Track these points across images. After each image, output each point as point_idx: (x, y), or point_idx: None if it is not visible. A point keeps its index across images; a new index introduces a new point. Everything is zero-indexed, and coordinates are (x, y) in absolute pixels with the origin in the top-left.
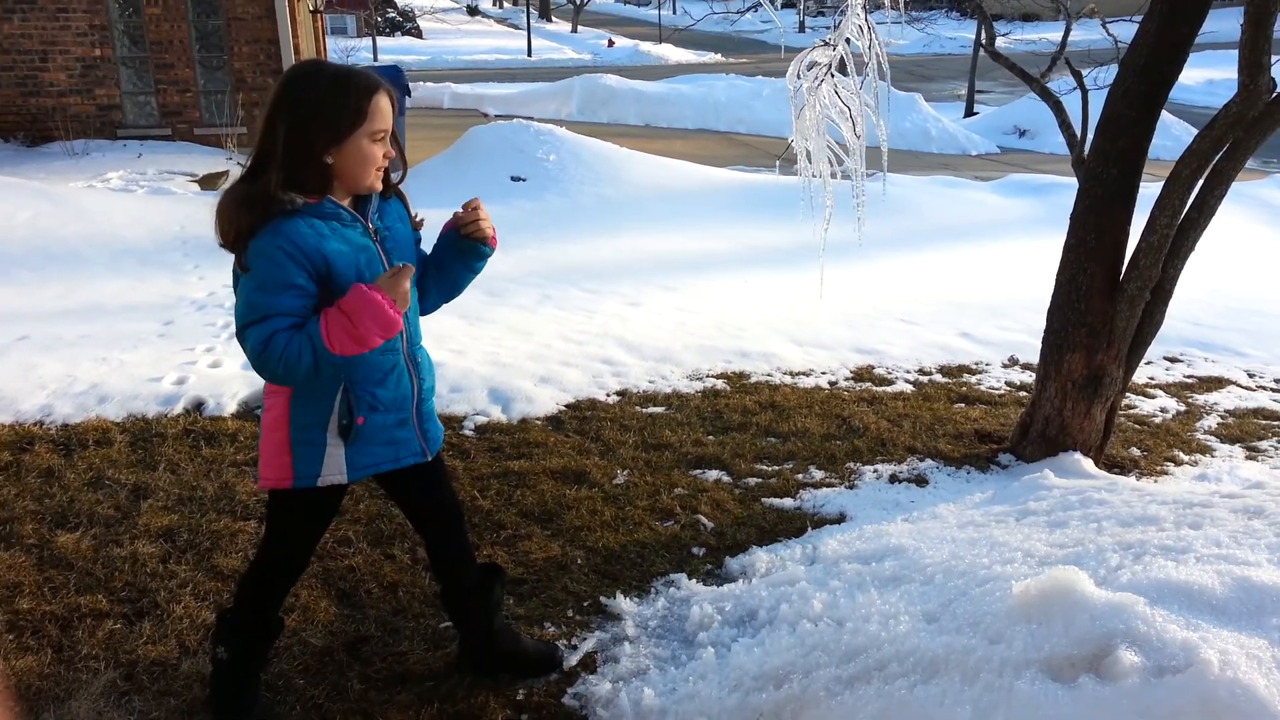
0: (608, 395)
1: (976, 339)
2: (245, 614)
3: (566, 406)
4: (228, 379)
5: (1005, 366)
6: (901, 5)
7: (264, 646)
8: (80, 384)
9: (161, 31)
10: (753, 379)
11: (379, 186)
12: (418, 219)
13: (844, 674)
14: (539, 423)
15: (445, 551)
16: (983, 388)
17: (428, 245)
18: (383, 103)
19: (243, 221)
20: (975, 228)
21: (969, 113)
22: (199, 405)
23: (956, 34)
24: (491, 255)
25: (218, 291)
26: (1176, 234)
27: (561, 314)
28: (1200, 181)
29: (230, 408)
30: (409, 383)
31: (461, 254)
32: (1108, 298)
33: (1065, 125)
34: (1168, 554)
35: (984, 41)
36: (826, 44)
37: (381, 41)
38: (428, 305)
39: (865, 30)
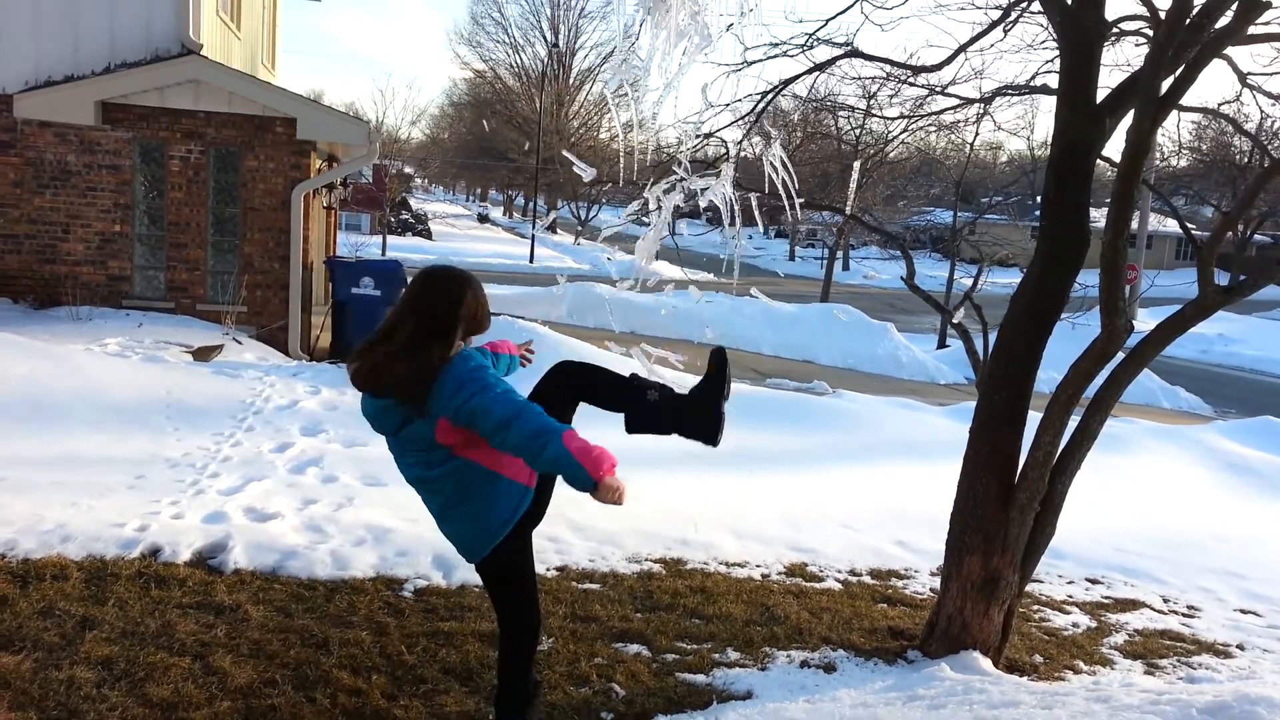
0: (548, 570)
1: (911, 547)
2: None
3: None
4: (186, 529)
5: (933, 574)
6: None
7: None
8: (47, 523)
9: (181, 214)
10: (689, 565)
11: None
12: None
13: None
14: (476, 589)
15: None
16: (907, 591)
17: None
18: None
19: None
20: (924, 447)
21: (941, 344)
22: (155, 551)
23: (935, 272)
24: None
25: (192, 453)
26: (1062, 454)
27: None
28: (1083, 407)
29: (184, 555)
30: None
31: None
32: (1001, 507)
33: (971, 352)
34: None
35: (905, 276)
36: (681, 191)
37: (393, 240)
38: None
39: (727, 199)
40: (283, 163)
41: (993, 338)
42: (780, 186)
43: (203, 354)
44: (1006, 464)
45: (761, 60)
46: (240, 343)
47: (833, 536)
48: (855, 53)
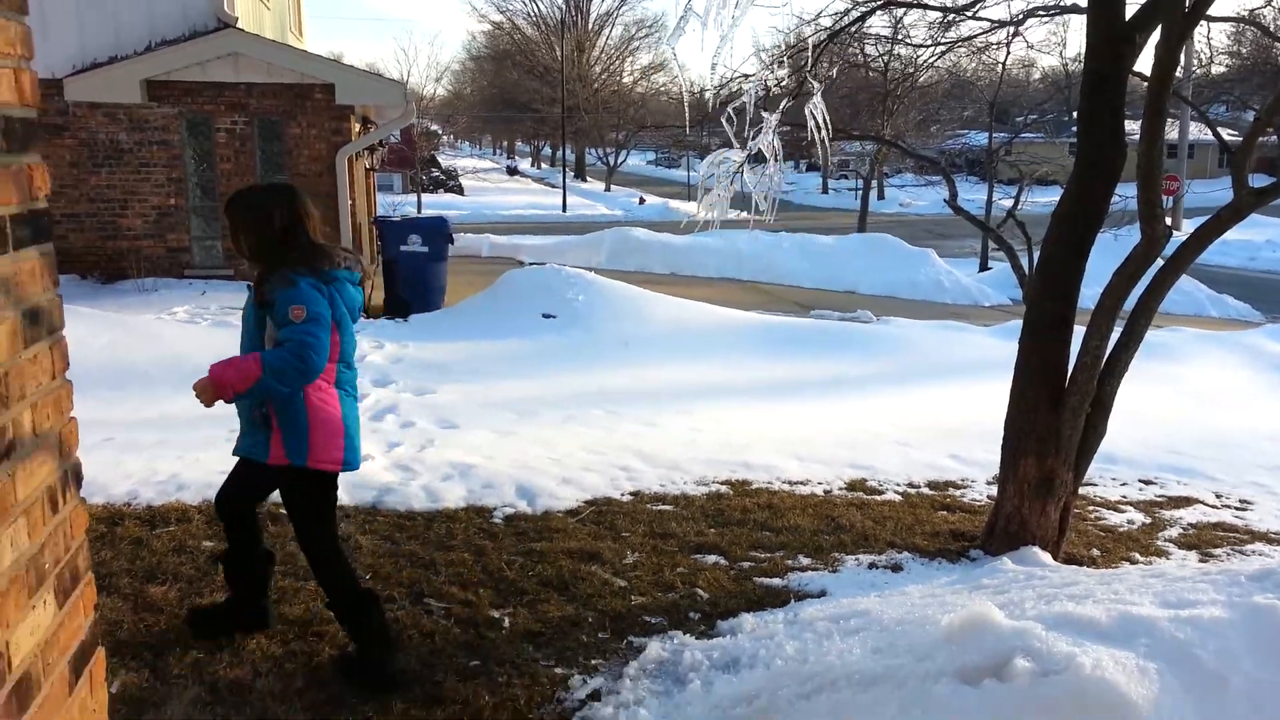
0: (622, 495)
1: (966, 460)
2: (352, 598)
3: (585, 503)
4: None
5: (989, 483)
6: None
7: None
8: (161, 475)
9: (231, 185)
10: (754, 485)
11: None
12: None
13: (803, 690)
14: (560, 514)
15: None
16: (965, 499)
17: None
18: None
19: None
20: (973, 366)
21: (983, 268)
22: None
23: (972, 195)
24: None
25: None
26: (1109, 357)
27: (584, 430)
28: (1130, 311)
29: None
30: None
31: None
32: (1052, 410)
33: (1016, 267)
34: (1073, 599)
35: (947, 198)
36: (741, 147)
37: (427, 198)
38: None
39: (772, 146)
40: (324, 128)
41: (1037, 254)
42: (818, 131)
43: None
44: (1056, 369)
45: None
46: None
47: (890, 454)
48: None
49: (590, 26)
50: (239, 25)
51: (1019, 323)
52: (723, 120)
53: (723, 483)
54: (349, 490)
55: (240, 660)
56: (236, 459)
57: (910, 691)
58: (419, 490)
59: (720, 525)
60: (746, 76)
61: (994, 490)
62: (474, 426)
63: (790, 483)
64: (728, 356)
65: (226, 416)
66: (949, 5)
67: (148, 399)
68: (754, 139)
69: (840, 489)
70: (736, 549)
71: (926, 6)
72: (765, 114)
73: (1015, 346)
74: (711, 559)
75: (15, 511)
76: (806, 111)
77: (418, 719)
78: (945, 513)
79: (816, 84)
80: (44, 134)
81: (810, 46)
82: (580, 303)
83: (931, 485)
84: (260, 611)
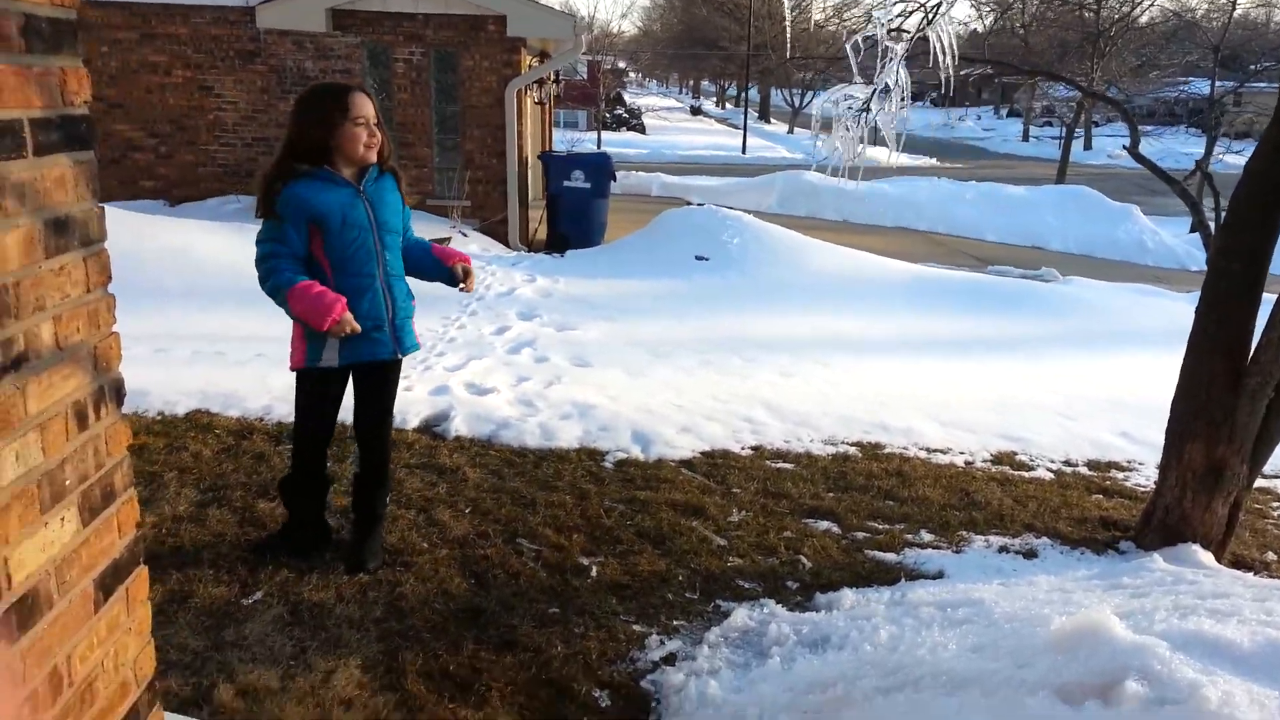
0: (742, 449)
1: (1135, 439)
2: (296, 475)
3: (701, 454)
4: (415, 400)
5: (1159, 468)
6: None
7: (316, 503)
8: None
9: (408, 115)
10: (886, 450)
11: (370, 159)
12: (408, 200)
13: (884, 685)
14: (672, 464)
15: (367, 437)
16: (1128, 484)
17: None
18: (357, 98)
19: (268, 185)
20: (1160, 334)
21: (1195, 228)
22: None
23: (1190, 149)
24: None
25: (422, 334)
26: None
27: (717, 377)
28: None
29: (413, 423)
30: (383, 301)
31: (444, 276)
32: (1229, 390)
33: (1202, 225)
34: (1214, 615)
35: (1128, 145)
36: (866, 83)
37: (607, 135)
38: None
39: (898, 82)
40: (496, 60)
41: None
42: (941, 57)
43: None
44: (1236, 343)
45: None
46: (465, 235)
47: (1048, 426)
48: None
49: None
50: None
51: None
52: (847, 49)
53: (852, 444)
54: (468, 421)
55: (326, 584)
56: None
57: (999, 702)
58: (535, 427)
59: (840, 490)
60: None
61: None
62: (606, 365)
63: (928, 450)
64: (883, 309)
65: None
66: None
67: None
68: (881, 69)
69: (984, 461)
70: (853, 517)
71: None
72: (891, 44)
73: None
74: (823, 525)
75: (25, 425)
76: (933, 35)
77: (486, 660)
78: (1100, 496)
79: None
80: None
81: None
82: (735, 245)
83: (1091, 465)
84: (324, 529)
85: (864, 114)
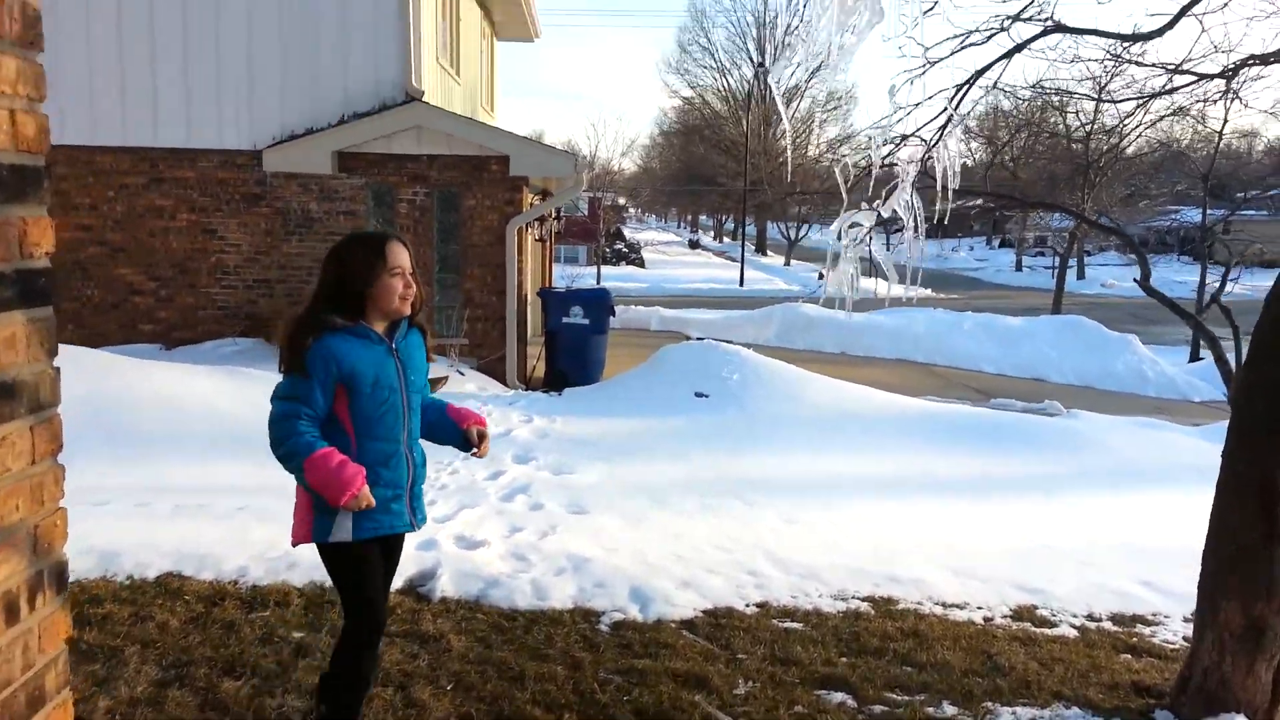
0: (747, 605)
1: (1159, 588)
2: (346, 671)
3: (704, 612)
4: (404, 559)
5: (1187, 620)
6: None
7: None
8: (277, 550)
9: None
10: (900, 605)
11: (405, 311)
12: (433, 358)
13: None
14: (673, 625)
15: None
16: (1155, 640)
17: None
18: (394, 248)
19: (298, 337)
20: (1172, 472)
21: (1194, 358)
22: None
23: (1184, 277)
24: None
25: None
26: None
27: (717, 522)
28: None
29: (396, 583)
30: (405, 468)
31: (455, 440)
32: (1264, 541)
33: (1220, 360)
34: None
35: (1139, 278)
36: (872, 208)
37: (607, 269)
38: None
39: (911, 206)
40: (498, 199)
41: (1246, 346)
42: (945, 181)
43: (432, 386)
44: (1269, 489)
45: (947, 55)
46: (463, 374)
47: (1067, 575)
48: (1058, 27)
49: (779, 100)
50: (426, 98)
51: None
52: (836, 172)
53: (864, 598)
54: (455, 580)
55: None
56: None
57: None
58: (527, 585)
59: (854, 654)
60: (893, 135)
61: (1190, 630)
62: (603, 511)
63: (944, 605)
64: (887, 447)
65: None
66: (1133, 34)
67: None
68: (885, 197)
69: (1003, 616)
70: (869, 687)
71: (1103, 34)
72: (902, 165)
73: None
74: (838, 698)
75: None
76: (938, 161)
77: None
78: (1129, 656)
79: (954, 124)
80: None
81: (955, 88)
82: (734, 381)
83: (1115, 619)
84: None
85: (868, 241)
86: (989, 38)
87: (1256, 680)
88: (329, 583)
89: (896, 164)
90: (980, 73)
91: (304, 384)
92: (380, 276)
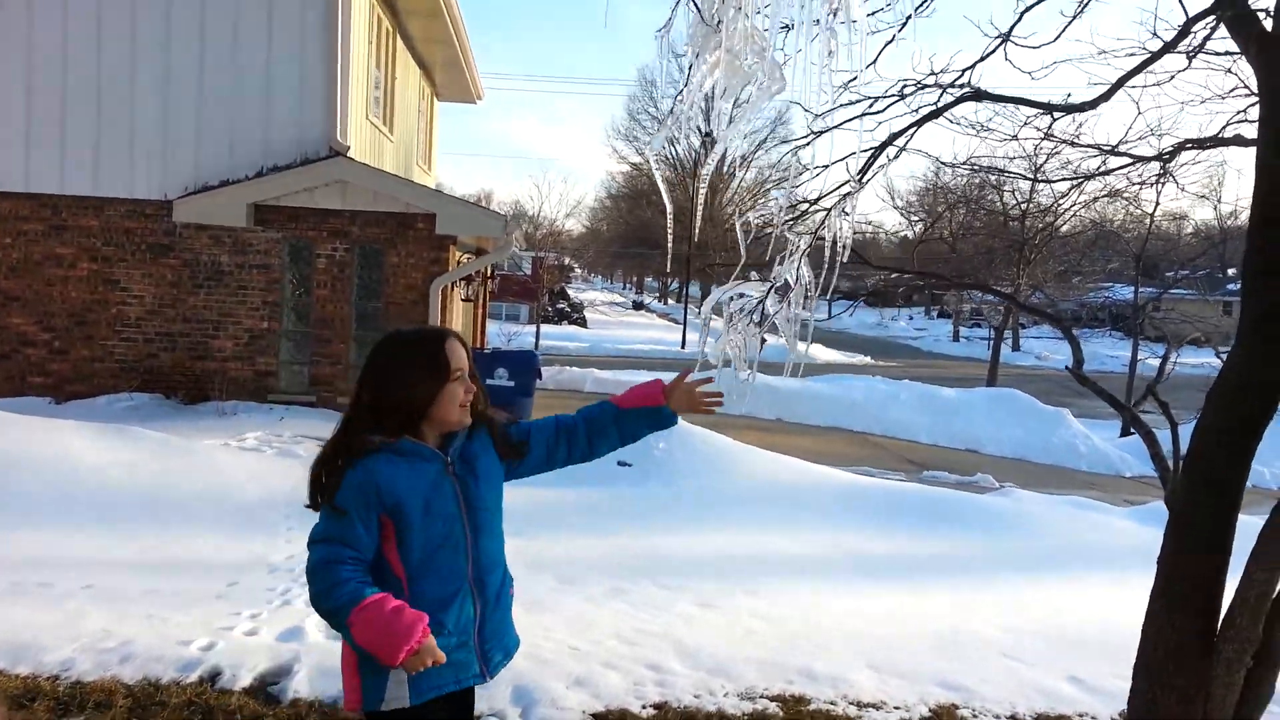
0: (643, 707)
1: (1087, 685)
2: None
3: (593, 716)
4: (255, 649)
5: None
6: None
7: None
8: (112, 640)
9: (326, 310)
10: (812, 705)
11: (467, 421)
12: (514, 446)
13: None
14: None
15: None
16: None
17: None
18: (454, 348)
19: (330, 465)
20: (1105, 555)
21: (1125, 432)
22: (215, 675)
23: (1116, 352)
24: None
25: (296, 555)
26: None
27: (628, 609)
28: None
29: (244, 681)
30: (472, 607)
31: (654, 423)
32: (1201, 658)
33: (1157, 457)
34: None
35: (1071, 365)
36: (762, 280)
37: (548, 328)
38: (597, 453)
39: (800, 277)
40: (422, 258)
41: (1185, 436)
42: (836, 250)
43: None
44: (1207, 603)
45: (860, 115)
46: None
47: (992, 670)
48: (977, 94)
49: (725, 170)
50: (354, 154)
51: (1163, 504)
52: (737, 226)
53: (773, 697)
54: (313, 677)
55: None
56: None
57: None
58: None
59: None
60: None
61: None
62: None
63: (859, 704)
64: (819, 525)
65: (232, 566)
66: (1062, 105)
67: (170, 535)
68: (776, 264)
69: (922, 718)
70: None
71: (1027, 103)
72: (790, 236)
73: (1159, 535)
74: None
75: None
76: (830, 234)
77: None
78: None
79: (849, 203)
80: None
81: (869, 150)
82: (660, 450)
83: None
84: None
85: (758, 314)
86: (890, 104)
87: None
88: (166, 677)
89: (795, 232)
90: (892, 138)
91: (342, 521)
92: (445, 386)
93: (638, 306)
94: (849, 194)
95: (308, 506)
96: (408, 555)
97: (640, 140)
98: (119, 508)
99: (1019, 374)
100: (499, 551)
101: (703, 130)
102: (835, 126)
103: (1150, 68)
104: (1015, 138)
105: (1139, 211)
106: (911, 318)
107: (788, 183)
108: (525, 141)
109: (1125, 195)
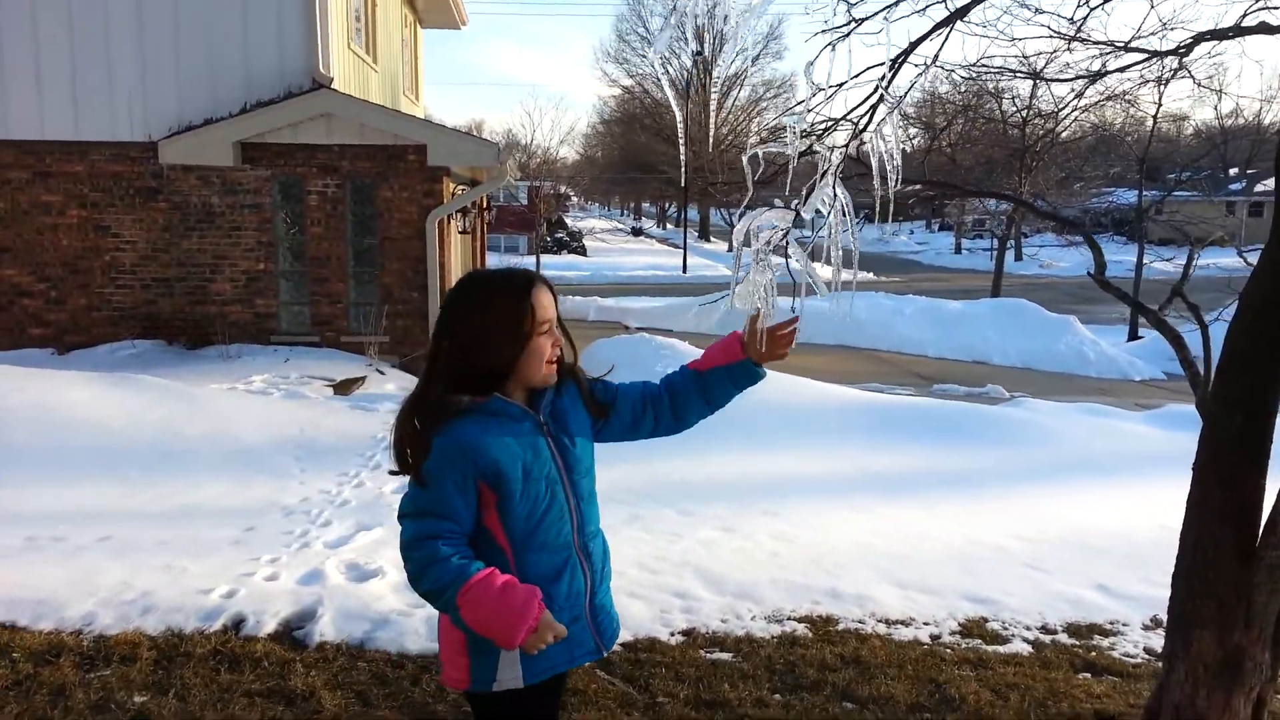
0: (671, 635)
1: (1114, 593)
2: None
3: (622, 646)
4: (276, 594)
5: (1146, 628)
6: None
7: None
8: (132, 592)
9: (321, 249)
10: (840, 625)
11: (553, 379)
12: (602, 406)
13: None
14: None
15: None
16: (1116, 653)
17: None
18: (541, 296)
19: (413, 429)
20: (1123, 462)
21: (1133, 336)
22: (238, 623)
23: (1120, 257)
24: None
25: (311, 497)
26: None
27: (646, 537)
28: None
29: (268, 627)
30: (582, 578)
31: (740, 379)
32: (1241, 566)
33: (1186, 363)
34: None
35: (1093, 271)
36: (788, 207)
37: (548, 259)
38: (687, 422)
39: (835, 200)
40: (416, 190)
41: (1216, 340)
42: (886, 166)
43: (344, 387)
44: (1245, 510)
45: (871, 15)
46: (383, 373)
47: (1017, 581)
48: None
49: (718, 88)
50: (338, 85)
51: (1184, 409)
52: (744, 161)
53: (801, 619)
54: (338, 620)
55: None
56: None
57: None
58: (421, 623)
59: (789, 689)
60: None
61: (1151, 640)
62: None
63: (887, 622)
64: (831, 442)
65: (246, 511)
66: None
67: (179, 483)
68: (806, 195)
69: (952, 633)
70: None
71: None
72: (820, 148)
73: (1177, 438)
74: None
75: None
76: (876, 137)
77: None
78: (1088, 675)
79: (886, 104)
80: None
81: (888, 63)
82: None
83: (1071, 630)
84: None
85: (784, 245)
86: (926, 7)
87: (1233, 715)
88: (189, 627)
89: (817, 154)
90: (915, 44)
91: (434, 493)
92: (531, 340)
93: (636, 233)
94: (882, 106)
95: (393, 473)
96: (510, 525)
97: (631, 63)
98: (127, 457)
99: (1023, 283)
100: (598, 517)
101: (694, 49)
102: (849, 31)
103: None
104: (1015, 39)
105: (1139, 113)
106: (912, 232)
107: (800, 103)
108: (512, 68)
109: (1126, 97)
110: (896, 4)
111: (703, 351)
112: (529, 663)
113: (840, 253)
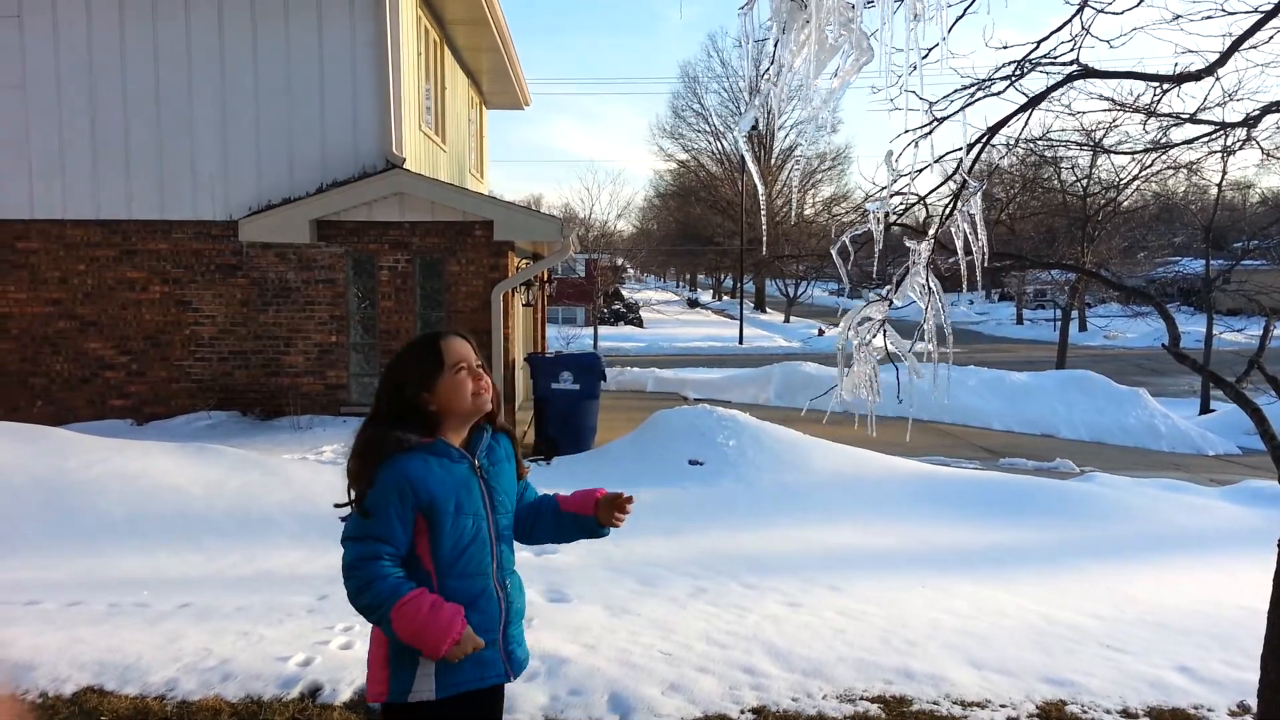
0: (742, 712)
1: (1198, 676)
2: None
3: None
4: (352, 663)
5: (1233, 715)
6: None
7: None
8: (212, 659)
9: (392, 322)
10: (914, 707)
11: (486, 406)
12: (525, 469)
13: None
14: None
15: None
16: None
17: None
18: (451, 343)
19: (361, 462)
20: (1202, 539)
21: (1204, 409)
22: (315, 691)
23: (1189, 327)
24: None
25: None
26: None
27: (713, 610)
28: None
29: (344, 695)
30: (497, 606)
31: (584, 531)
32: None
33: (1268, 436)
34: None
35: (1167, 343)
36: (883, 299)
37: (605, 330)
38: (535, 540)
39: (927, 289)
40: (482, 264)
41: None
42: (970, 246)
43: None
44: None
45: (955, 110)
46: None
47: (1095, 662)
48: (1088, 71)
49: (773, 161)
50: (409, 165)
51: (1263, 484)
52: (833, 254)
53: (874, 699)
54: None
55: None
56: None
57: None
58: None
59: None
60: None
61: None
62: (586, 600)
63: (963, 704)
64: (896, 517)
65: (320, 578)
66: (1174, 75)
67: (256, 550)
68: (897, 285)
69: (1030, 715)
70: None
71: (1143, 77)
72: (911, 243)
73: (1256, 514)
74: None
75: None
76: (960, 215)
77: None
78: None
79: (973, 184)
80: (219, 274)
81: (965, 146)
82: (731, 448)
83: (1153, 714)
84: None
85: (883, 335)
86: (1009, 85)
87: None
88: (267, 694)
89: (905, 237)
90: (994, 129)
91: (378, 520)
92: (443, 377)
93: (692, 304)
94: (965, 191)
95: (338, 506)
96: (438, 552)
97: (686, 138)
98: (206, 525)
99: (1088, 355)
100: (513, 557)
101: (762, 122)
102: (930, 130)
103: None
104: (1075, 113)
105: (1202, 181)
106: (972, 302)
107: (882, 189)
108: (571, 144)
109: (1191, 166)
110: (974, 101)
111: (572, 493)
112: (442, 677)
113: (933, 328)
